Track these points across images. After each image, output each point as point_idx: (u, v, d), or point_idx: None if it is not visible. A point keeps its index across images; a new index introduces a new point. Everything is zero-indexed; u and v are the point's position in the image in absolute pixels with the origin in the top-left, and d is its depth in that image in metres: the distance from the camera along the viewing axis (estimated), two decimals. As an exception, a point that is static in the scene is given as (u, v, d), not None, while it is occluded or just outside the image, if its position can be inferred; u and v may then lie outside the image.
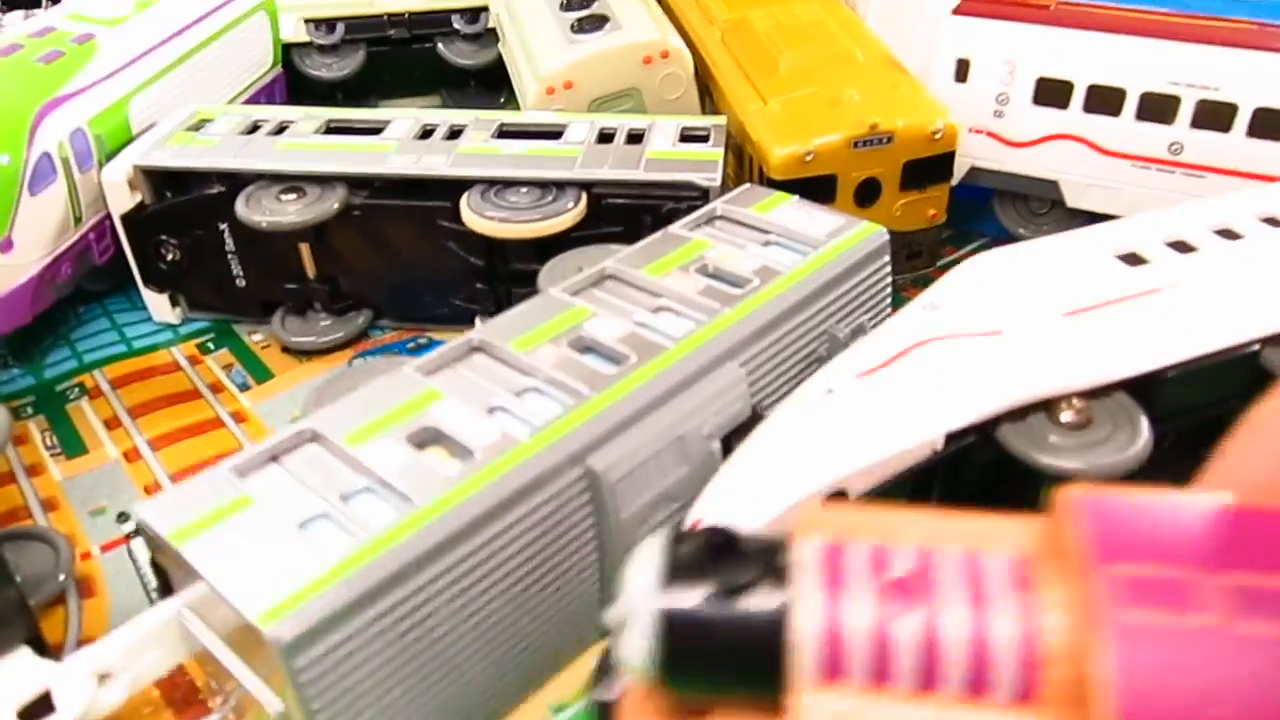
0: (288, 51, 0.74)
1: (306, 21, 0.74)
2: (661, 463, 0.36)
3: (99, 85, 0.54)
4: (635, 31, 0.56)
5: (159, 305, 0.56)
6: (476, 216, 0.49)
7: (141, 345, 0.55)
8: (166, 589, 0.33)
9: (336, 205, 0.51)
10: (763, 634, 0.20)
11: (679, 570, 0.21)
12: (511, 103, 0.82)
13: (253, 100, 0.69)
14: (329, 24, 0.75)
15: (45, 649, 0.33)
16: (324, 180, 0.52)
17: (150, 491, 0.44)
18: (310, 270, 0.54)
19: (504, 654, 0.34)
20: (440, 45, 0.77)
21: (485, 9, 0.77)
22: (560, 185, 0.50)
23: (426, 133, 0.54)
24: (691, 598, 0.21)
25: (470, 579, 0.32)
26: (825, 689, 0.20)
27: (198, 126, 0.56)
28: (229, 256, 0.54)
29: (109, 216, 0.54)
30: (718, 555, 0.21)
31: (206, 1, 0.64)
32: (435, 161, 0.51)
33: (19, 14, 0.75)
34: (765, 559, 0.21)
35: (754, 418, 0.39)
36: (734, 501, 0.36)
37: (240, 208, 0.51)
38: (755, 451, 0.37)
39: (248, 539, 0.30)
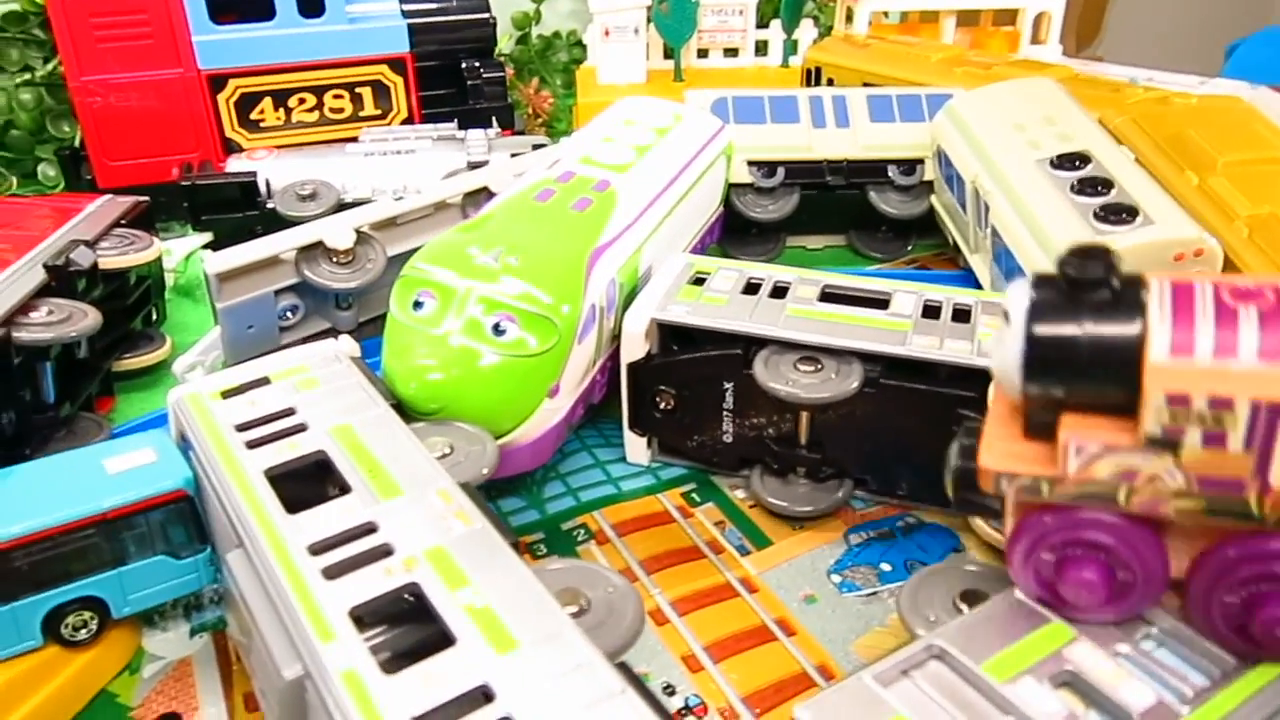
0: (728, 191, 0.76)
1: (750, 164, 0.76)
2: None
3: (624, 235, 0.56)
4: (1171, 227, 0.53)
5: (636, 447, 0.58)
6: (1009, 413, 0.48)
7: (629, 489, 0.56)
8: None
9: (857, 384, 0.51)
10: (1116, 338, 0.32)
11: (1047, 303, 0.33)
12: (920, 250, 0.82)
13: (704, 239, 0.72)
14: (771, 167, 0.77)
15: None
16: (840, 353, 0.52)
17: (690, 664, 0.44)
18: (803, 437, 0.54)
19: None
20: (872, 193, 0.78)
21: (921, 161, 0.77)
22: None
23: (931, 309, 0.54)
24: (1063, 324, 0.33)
25: None
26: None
27: (698, 281, 0.57)
28: (724, 412, 0.55)
29: (610, 359, 0.56)
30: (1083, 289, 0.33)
31: (689, 148, 0.67)
32: (961, 347, 0.50)
33: (480, 133, 0.81)
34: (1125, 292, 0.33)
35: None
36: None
37: (760, 372, 0.51)
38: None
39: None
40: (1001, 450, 0.34)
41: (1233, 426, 0.30)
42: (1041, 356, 0.33)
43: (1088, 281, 0.32)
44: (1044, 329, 0.33)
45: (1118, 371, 0.32)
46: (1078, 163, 0.59)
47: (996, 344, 0.35)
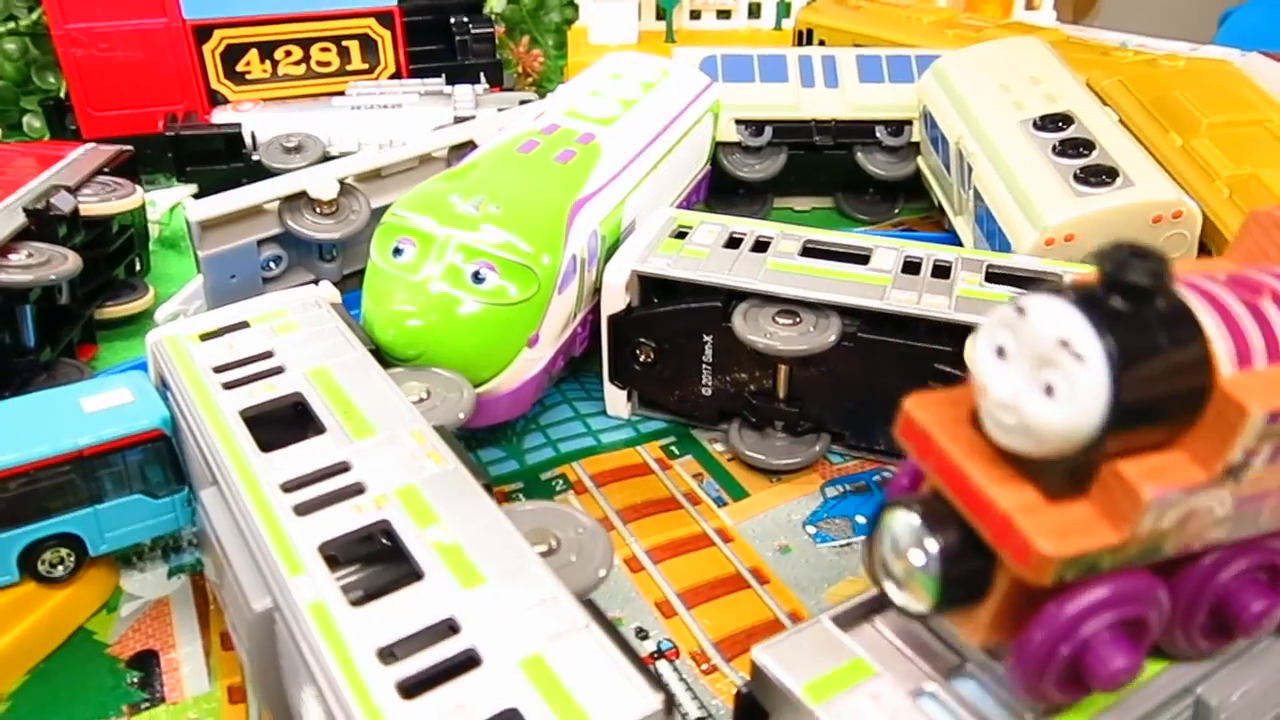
0: (715, 149, 0.76)
1: (737, 122, 0.76)
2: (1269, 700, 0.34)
3: (607, 187, 0.56)
4: (1150, 189, 0.53)
5: (616, 400, 0.58)
6: (984, 368, 0.48)
7: (609, 441, 0.56)
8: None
9: (834, 337, 0.51)
10: (1195, 360, 0.27)
11: (1118, 325, 0.26)
12: (907, 213, 0.82)
13: (690, 196, 0.71)
14: (758, 126, 0.76)
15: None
16: (818, 307, 0.52)
17: (663, 610, 0.45)
18: (781, 391, 0.54)
19: None
20: (859, 154, 0.78)
21: (909, 122, 0.77)
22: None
23: (910, 265, 0.54)
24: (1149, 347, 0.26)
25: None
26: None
27: (680, 234, 0.57)
28: (703, 366, 0.55)
29: (592, 313, 0.56)
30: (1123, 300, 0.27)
31: (675, 104, 0.67)
32: (938, 302, 0.50)
33: (468, 88, 0.81)
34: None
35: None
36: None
37: (738, 324, 0.52)
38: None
39: (878, 713, 0.30)
40: (1052, 527, 0.26)
41: None
42: (1138, 394, 0.26)
43: (1137, 289, 0.26)
44: (1134, 358, 0.26)
45: (1190, 396, 0.27)
46: (1060, 124, 0.59)
47: (1034, 397, 0.26)
